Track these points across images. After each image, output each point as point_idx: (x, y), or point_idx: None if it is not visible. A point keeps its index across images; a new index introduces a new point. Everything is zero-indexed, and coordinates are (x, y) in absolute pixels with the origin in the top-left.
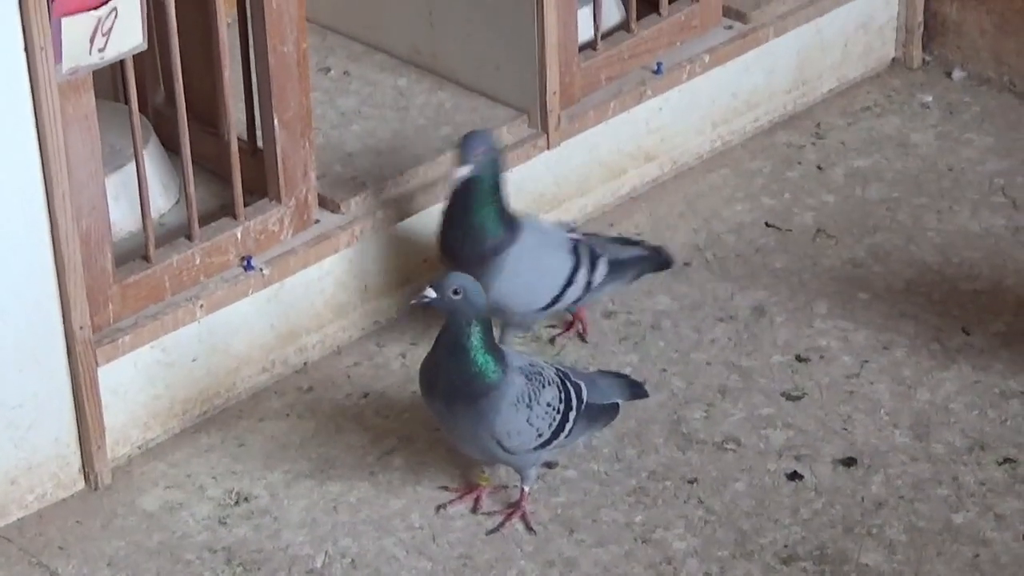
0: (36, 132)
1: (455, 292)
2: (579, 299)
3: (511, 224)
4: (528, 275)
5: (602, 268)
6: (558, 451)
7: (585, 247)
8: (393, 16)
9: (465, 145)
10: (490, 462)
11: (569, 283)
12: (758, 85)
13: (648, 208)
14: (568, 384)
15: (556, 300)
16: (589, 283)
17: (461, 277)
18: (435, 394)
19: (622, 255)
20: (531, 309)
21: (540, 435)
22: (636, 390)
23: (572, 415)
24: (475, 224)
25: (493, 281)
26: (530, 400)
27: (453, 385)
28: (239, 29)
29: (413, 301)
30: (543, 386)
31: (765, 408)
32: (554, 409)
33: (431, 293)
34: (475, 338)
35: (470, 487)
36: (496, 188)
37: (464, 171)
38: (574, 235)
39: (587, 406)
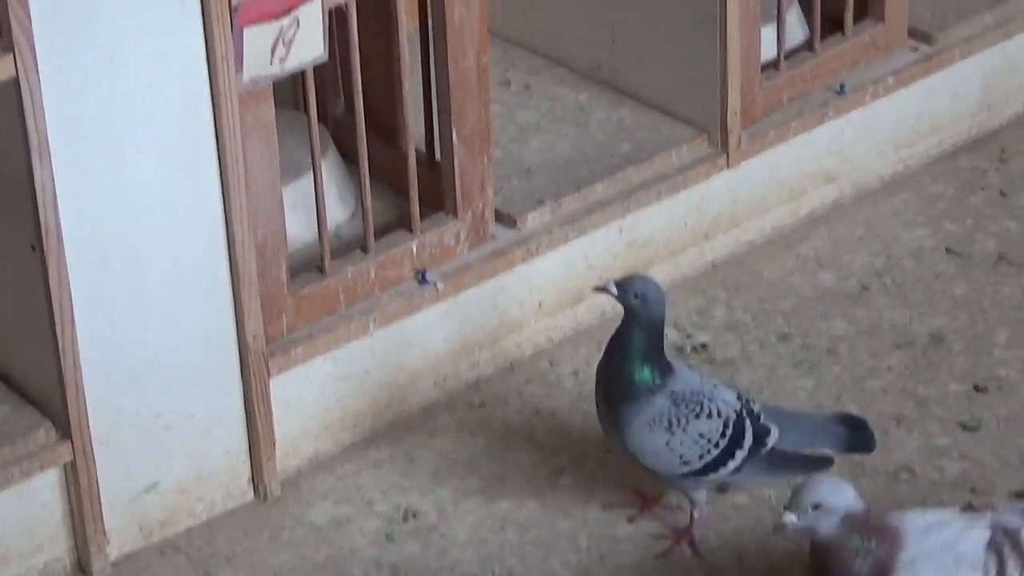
0: (216, 141)
1: (635, 296)
2: None
3: None
4: None
5: None
6: (738, 484)
7: None
8: (575, 30)
9: None
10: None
11: None
12: (942, 108)
13: (827, 230)
14: (747, 423)
15: None
16: None
17: (646, 282)
18: (597, 392)
19: None
20: None
21: (686, 463)
22: (859, 441)
23: (740, 454)
24: None
25: None
26: (671, 424)
27: (608, 385)
28: (420, 41)
29: (596, 287)
30: (697, 415)
31: (941, 438)
32: (708, 441)
33: (613, 289)
34: (638, 342)
35: (641, 495)
36: None
37: None
38: None
39: (774, 452)
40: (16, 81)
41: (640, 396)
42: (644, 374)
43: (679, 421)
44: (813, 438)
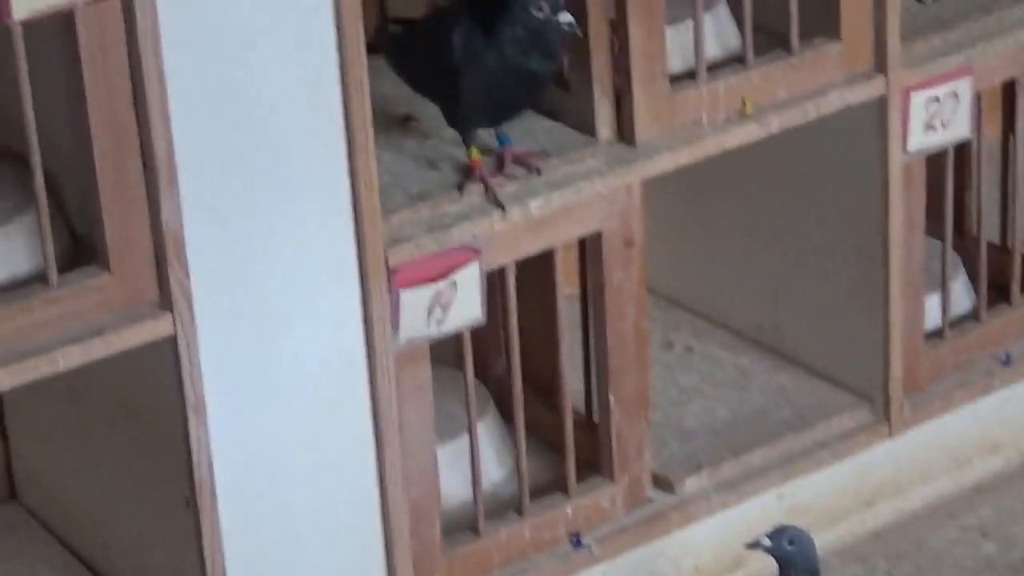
0: (371, 400)
1: (790, 542)
2: None
3: None
4: None
5: None
6: None
7: None
8: (738, 292)
9: None
10: None
11: None
12: None
13: (993, 500)
14: None
15: None
16: None
17: (797, 530)
18: None
19: None
20: None
21: None
22: None
23: None
24: None
25: None
26: None
27: None
28: (580, 303)
29: (749, 544)
30: None
31: None
32: None
33: (766, 541)
34: None
35: None
36: None
37: None
38: None
39: None
40: (174, 339)
41: None
42: None
43: None
44: None
